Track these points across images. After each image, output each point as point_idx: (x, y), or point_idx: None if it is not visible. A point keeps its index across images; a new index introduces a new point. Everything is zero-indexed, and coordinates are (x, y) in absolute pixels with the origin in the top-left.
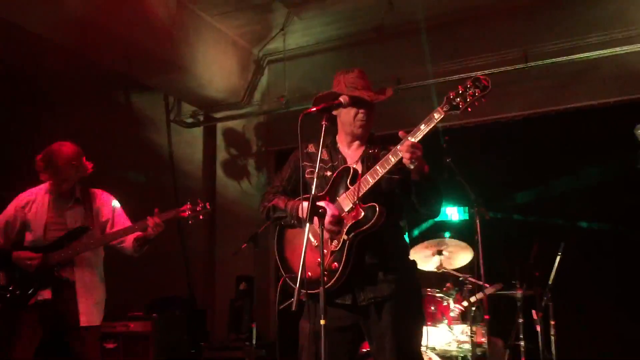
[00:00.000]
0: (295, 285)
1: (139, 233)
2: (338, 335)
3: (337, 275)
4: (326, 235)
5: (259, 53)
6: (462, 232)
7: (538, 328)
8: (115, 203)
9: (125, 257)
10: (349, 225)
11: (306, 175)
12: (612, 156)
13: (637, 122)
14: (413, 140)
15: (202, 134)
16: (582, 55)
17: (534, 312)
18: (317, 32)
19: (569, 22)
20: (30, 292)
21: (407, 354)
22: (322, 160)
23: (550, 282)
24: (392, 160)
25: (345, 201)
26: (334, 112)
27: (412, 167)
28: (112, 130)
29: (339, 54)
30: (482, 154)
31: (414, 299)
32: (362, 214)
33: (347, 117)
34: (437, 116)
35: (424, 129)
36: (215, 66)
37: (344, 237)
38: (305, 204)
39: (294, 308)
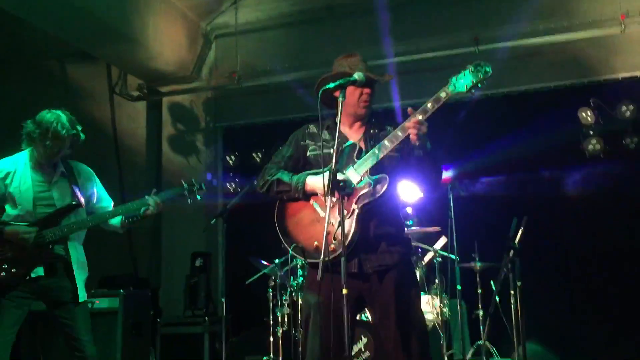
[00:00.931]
0: (303, 255)
1: None
2: (341, 302)
3: (347, 243)
4: (334, 207)
5: (207, 27)
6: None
7: (497, 298)
8: (96, 176)
9: None
10: (358, 195)
11: (308, 153)
12: (556, 136)
13: (579, 105)
14: (420, 117)
15: (145, 108)
16: (528, 41)
17: (492, 282)
18: (269, 9)
19: (515, 9)
20: (26, 269)
21: (412, 319)
22: (325, 140)
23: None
24: (400, 135)
25: (353, 174)
26: (336, 94)
27: (417, 143)
28: (47, 102)
29: (289, 31)
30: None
31: (412, 269)
32: (371, 184)
33: (352, 98)
34: (444, 96)
35: (430, 107)
36: (165, 38)
37: (354, 206)
38: (312, 178)
39: (318, 278)
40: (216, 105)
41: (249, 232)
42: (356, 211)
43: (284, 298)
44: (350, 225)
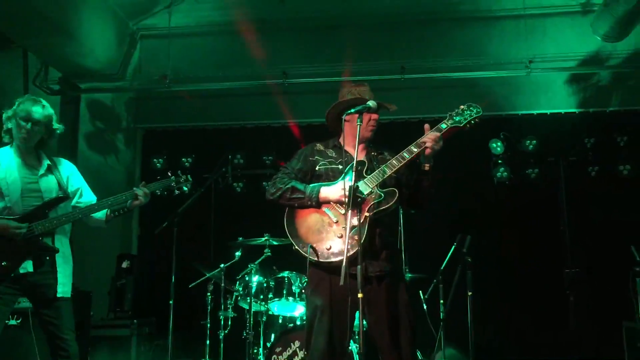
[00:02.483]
0: (315, 257)
1: None
2: (345, 304)
3: (357, 248)
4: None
5: (133, 27)
6: None
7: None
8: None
9: None
10: (370, 204)
11: (317, 168)
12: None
13: (486, 136)
14: (439, 134)
15: (59, 102)
16: (441, 74)
17: (420, 292)
18: (200, 16)
19: (435, 43)
20: (17, 262)
21: (403, 322)
22: (330, 157)
23: (442, 268)
24: (414, 150)
25: (364, 186)
26: (346, 118)
27: (430, 159)
28: None
29: (219, 40)
30: None
31: (404, 277)
32: (383, 195)
33: (362, 123)
34: (444, 127)
35: (444, 128)
36: (98, 35)
37: (366, 214)
38: (326, 188)
39: (341, 283)
40: (137, 107)
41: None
42: (368, 219)
43: (229, 302)
44: (362, 232)
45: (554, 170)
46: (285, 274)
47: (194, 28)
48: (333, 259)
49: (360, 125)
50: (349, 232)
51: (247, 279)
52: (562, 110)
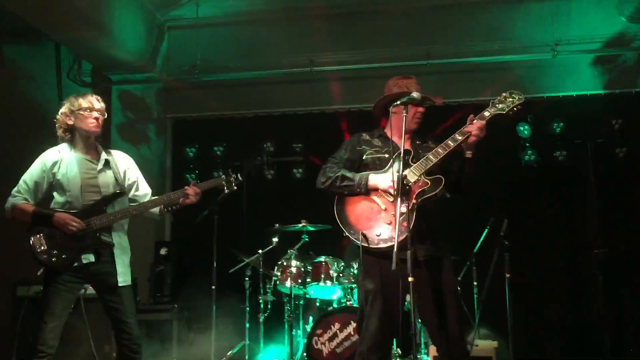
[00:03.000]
0: (365, 243)
1: None
2: (396, 288)
3: (407, 233)
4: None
5: (161, 18)
6: None
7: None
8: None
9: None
10: (417, 192)
11: (364, 157)
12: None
13: (516, 121)
14: (484, 122)
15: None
16: (466, 59)
17: None
18: (228, 6)
19: (459, 27)
20: (75, 256)
21: (450, 305)
22: (377, 146)
23: (475, 250)
24: (459, 138)
25: (411, 174)
26: (393, 110)
27: (473, 146)
28: None
29: (245, 29)
30: None
31: (451, 261)
32: (429, 183)
33: (408, 115)
34: (488, 115)
35: (487, 115)
36: (129, 28)
37: (414, 201)
38: (374, 176)
39: (394, 267)
40: (167, 97)
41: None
42: (415, 205)
43: (267, 287)
44: (411, 218)
45: (581, 152)
46: (322, 258)
47: (221, 18)
48: (382, 245)
49: (406, 116)
50: (398, 219)
51: (285, 264)
52: (588, 92)
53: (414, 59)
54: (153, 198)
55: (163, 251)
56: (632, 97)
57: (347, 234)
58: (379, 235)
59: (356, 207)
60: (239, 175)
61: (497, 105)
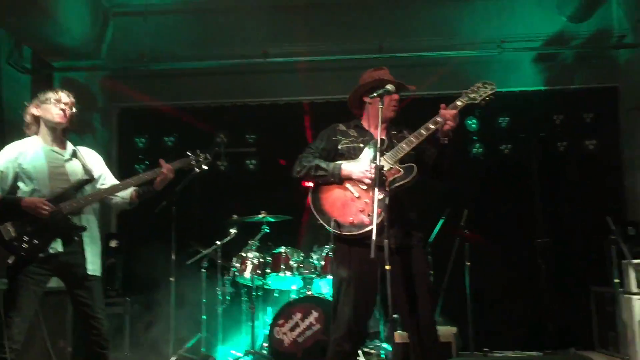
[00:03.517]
0: (338, 229)
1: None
2: (371, 274)
3: (381, 218)
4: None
5: (106, 3)
6: None
7: None
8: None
9: None
10: (390, 180)
11: (339, 146)
12: None
13: (464, 115)
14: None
15: (29, 81)
16: (417, 53)
17: None
18: None
19: (410, 22)
20: (46, 241)
21: (422, 293)
22: (352, 136)
23: (430, 240)
24: (432, 127)
25: (384, 162)
26: (368, 99)
27: (449, 133)
28: None
29: (196, 18)
30: None
31: (424, 251)
32: (401, 172)
33: (383, 104)
34: (460, 104)
35: (460, 105)
36: (74, 13)
37: (387, 188)
38: (347, 165)
39: (372, 255)
40: (113, 85)
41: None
42: (388, 194)
43: (225, 278)
44: (384, 205)
45: (525, 146)
46: (282, 249)
47: (170, 5)
48: (355, 232)
49: (382, 107)
50: (372, 207)
51: (244, 255)
52: (530, 88)
53: (367, 52)
54: (125, 180)
55: (113, 243)
56: (570, 94)
57: (320, 221)
58: (351, 222)
59: (330, 195)
60: (207, 155)
61: (469, 95)
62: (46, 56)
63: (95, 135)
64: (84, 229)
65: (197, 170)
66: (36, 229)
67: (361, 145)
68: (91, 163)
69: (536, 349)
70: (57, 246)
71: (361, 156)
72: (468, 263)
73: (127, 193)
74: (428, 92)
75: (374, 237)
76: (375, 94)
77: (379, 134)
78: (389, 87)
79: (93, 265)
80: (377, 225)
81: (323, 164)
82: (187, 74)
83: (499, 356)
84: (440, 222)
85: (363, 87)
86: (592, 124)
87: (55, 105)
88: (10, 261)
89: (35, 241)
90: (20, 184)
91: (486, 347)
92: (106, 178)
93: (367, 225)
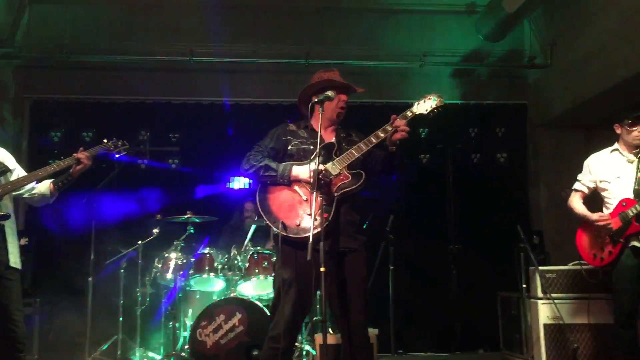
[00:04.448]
0: (284, 232)
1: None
2: (309, 277)
3: (326, 224)
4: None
5: None
6: None
7: None
8: None
9: None
10: (338, 185)
11: (289, 147)
12: None
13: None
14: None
15: None
16: (341, 61)
17: None
18: None
19: (336, 31)
20: None
21: (361, 294)
22: (302, 137)
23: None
24: (381, 135)
25: (333, 167)
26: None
27: (398, 142)
28: None
29: (119, 10)
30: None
31: (366, 254)
32: (350, 177)
33: (331, 104)
34: (410, 114)
35: (410, 115)
36: None
37: (335, 194)
38: (297, 168)
39: (308, 258)
40: (27, 75)
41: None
42: (336, 198)
43: (146, 279)
44: (330, 210)
45: (442, 156)
46: (206, 250)
47: None
48: (302, 235)
49: (322, 113)
50: (316, 211)
51: (166, 255)
52: (448, 101)
53: (294, 57)
54: (39, 169)
55: (23, 241)
56: (484, 108)
57: (267, 222)
58: (298, 225)
59: (278, 196)
60: (125, 142)
61: (418, 106)
62: None
63: (4, 126)
64: (7, 216)
65: (117, 155)
66: None
67: (311, 147)
68: (3, 158)
69: (447, 350)
70: None
71: (312, 158)
72: (392, 267)
73: (45, 188)
74: (352, 100)
75: (310, 239)
76: (316, 100)
77: (318, 138)
78: (329, 93)
79: (15, 257)
80: (325, 226)
81: (273, 165)
82: (108, 68)
83: (413, 357)
84: (364, 226)
85: (311, 87)
86: (503, 138)
87: None
88: None
89: None
90: None
91: (402, 348)
92: (20, 174)
93: (314, 229)
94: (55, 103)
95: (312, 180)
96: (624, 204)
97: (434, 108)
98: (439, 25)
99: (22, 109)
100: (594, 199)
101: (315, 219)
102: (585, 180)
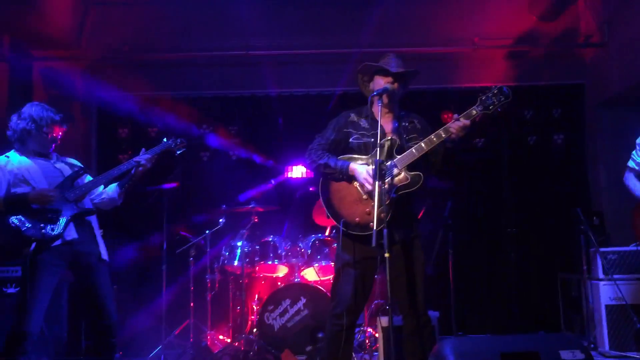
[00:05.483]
0: (347, 229)
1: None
2: (371, 262)
3: (383, 224)
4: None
5: None
6: None
7: None
8: None
9: None
10: (397, 186)
11: (350, 140)
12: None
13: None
14: (467, 122)
15: (7, 70)
16: (391, 49)
17: None
18: None
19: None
20: (62, 226)
21: (420, 278)
22: (363, 128)
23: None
24: (443, 135)
25: (394, 167)
26: (371, 84)
27: (454, 141)
28: None
29: (174, 6)
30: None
31: (421, 241)
32: (409, 179)
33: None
34: (474, 113)
35: (475, 113)
36: (55, 2)
37: (393, 195)
38: (354, 167)
39: (374, 244)
40: (93, 76)
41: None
42: (394, 197)
43: (215, 266)
44: (388, 210)
45: (497, 139)
46: (269, 237)
47: None
48: (359, 233)
49: (381, 106)
50: (377, 208)
51: (232, 243)
52: (502, 84)
53: (346, 46)
54: (105, 173)
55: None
56: (540, 90)
57: (328, 214)
58: (358, 223)
59: (340, 190)
60: (183, 140)
61: (484, 103)
62: (26, 45)
63: (74, 126)
64: (94, 211)
65: (178, 152)
66: (49, 216)
67: (372, 139)
68: (71, 164)
69: (507, 332)
70: (72, 233)
71: (371, 155)
72: (451, 251)
73: (114, 191)
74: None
75: (375, 226)
76: (375, 93)
77: (379, 129)
78: (389, 86)
79: (104, 250)
80: (383, 226)
81: (332, 163)
82: (169, 65)
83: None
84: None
85: (365, 66)
86: (560, 119)
87: (42, 130)
88: (29, 249)
89: (52, 226)
90: (17, 190)
91: (463, 330)
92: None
93: (372, 229)
94: (121, 101)
95: (371, 187)
96: None
97: (500, 105)
98: (491, 8)
99: (90, 108)
100: None
101: (375, 216)
102: (638, 158)
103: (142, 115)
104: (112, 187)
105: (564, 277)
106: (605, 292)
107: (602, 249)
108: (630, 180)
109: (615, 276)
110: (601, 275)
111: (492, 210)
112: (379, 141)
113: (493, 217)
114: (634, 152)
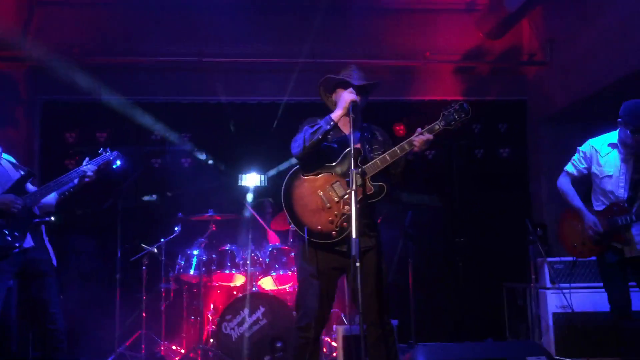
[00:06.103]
0: (310, 237)
1: None
2: (334, 272)
3: (345, 233)
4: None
5: None
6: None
7: None
8: None
9: None
10: (362, 195)
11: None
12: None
13: (389, 119)
14: (431, 137)
15: None
16: (345, 60)
17: None
18: None
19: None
20: (23, 235)
21: (382, 287)
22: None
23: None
24: (407, 148)
25: (357, 177)
26: (334, 96)
27: (416, 153)
28: None
29: (125, 10)
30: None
31: (383, 250)
32: (373, 190)
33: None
34: (437, 128)
35: (437, 129)
36: None
37: (358, 204)
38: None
39: (353, 252)
40: (37, 77)
41: None
42: (358, 206)
43: (170, 274)
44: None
45: (447, 151)
46: (227, 246)
47: None
48: (321, 241)
49: (353, 118)
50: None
51: (189, 252)
52: (450, 98)
53: (300, 56)
54: (54, 180)
55: None
56: (486, 105)
57: (290, 221)
58: (320, 231)
59: (303, 198)
60: (116, 152)
61: (447, 118)
62: None
63: (18, 128)
64: (49, 219)
65: (115, 165)
66: (13, 224)
67: (335, 145)
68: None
69: (458, 340)
70: (29, 240)
71: (338, 161)
72: (411, 260)
73: (51, 198)
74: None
75: (354, 235)
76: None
77: (351, 142)
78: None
79: (54, 257)
80: (345, 235)
81: (313, 126)
82: (119, 69)
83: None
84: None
85: (326, 79)
86: (505, 134)
87: None
88: None
89: (16, 233)
90: None
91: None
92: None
93: (333, 237)
94: (67, 104)
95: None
96: (615, 208)
97: (461, 121)
98: (441, 24)
99: (34, 110)
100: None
101: (337, 229)
102: (579, 165)
103: (91, 120)
104: (52, 194)
105: (509, 286)
106: (552, 301)
107: (549, 259)
108: (565, 185)
109: (562, 285)
110: (549, 284)
111: (442, 220)
112: (351, 150)
113: (441, 227)
114: (574, 157)
